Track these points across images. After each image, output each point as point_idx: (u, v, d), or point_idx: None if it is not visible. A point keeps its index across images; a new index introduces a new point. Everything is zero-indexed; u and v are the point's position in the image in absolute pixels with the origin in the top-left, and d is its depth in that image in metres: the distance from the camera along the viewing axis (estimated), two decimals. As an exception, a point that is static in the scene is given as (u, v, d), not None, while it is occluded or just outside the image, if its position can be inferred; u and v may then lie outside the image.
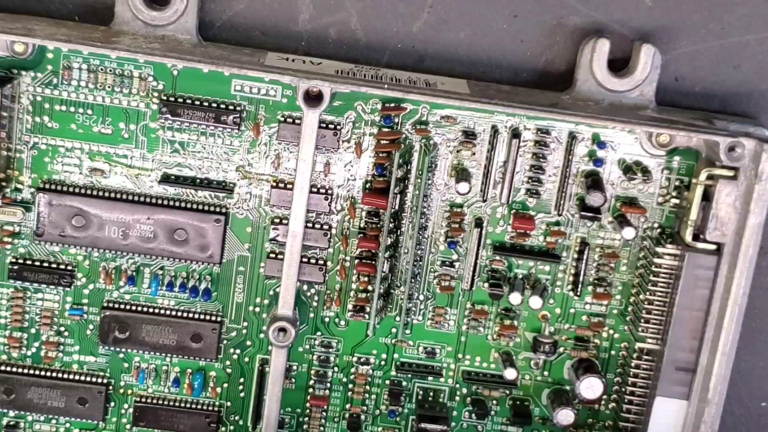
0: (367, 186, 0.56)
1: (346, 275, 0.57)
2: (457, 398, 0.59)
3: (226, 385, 0.58)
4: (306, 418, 0.59)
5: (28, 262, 0.56)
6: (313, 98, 0.52)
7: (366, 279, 0.57)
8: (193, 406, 0.58)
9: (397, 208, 0.55)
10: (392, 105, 0.54)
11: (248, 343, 0.58)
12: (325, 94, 0.52)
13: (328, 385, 0.58)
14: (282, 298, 0.55)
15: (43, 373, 0.57)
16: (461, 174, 0.55)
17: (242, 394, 0.58)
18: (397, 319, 0.57)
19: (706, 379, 0.55)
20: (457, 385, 0.58)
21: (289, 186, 0.55)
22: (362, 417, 0.59)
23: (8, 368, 0.57)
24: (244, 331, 0.57)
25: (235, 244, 0.56)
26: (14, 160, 0.55)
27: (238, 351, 0.58)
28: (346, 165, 0.55)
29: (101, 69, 0.54)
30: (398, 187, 0.55)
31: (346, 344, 0.58)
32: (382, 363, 0.58)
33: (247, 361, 0.58)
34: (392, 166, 0.55)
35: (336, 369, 0.58)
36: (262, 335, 0.57)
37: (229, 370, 0.58)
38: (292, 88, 0.54)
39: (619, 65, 0.55)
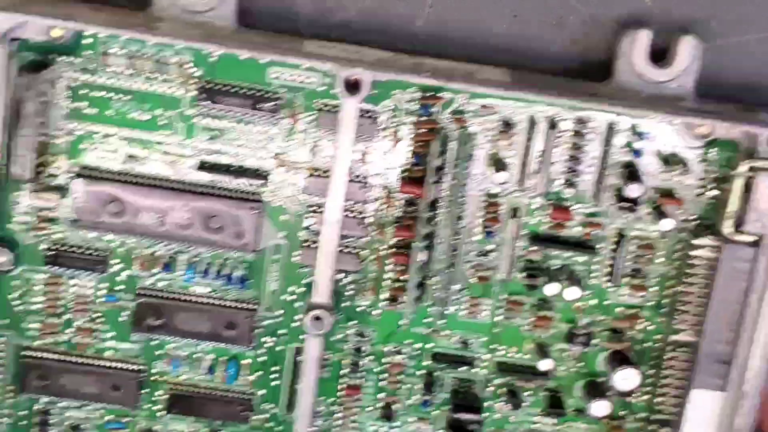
0: (404, 175, 0.55)
1: (382, 264, 0.57)
2: (491, 388, 0.58)
3: (259, 373, 0.58)
4: (339, 407, 0.59)
5: (64, 249, 0.56)
6: (352, 86, 0.52)
7: (401, 268, 0.56)
8: (227, 393, 0.58)
9: (434, 197, 0.55)
10: (431, 94, 0.54)
11: (282, 331, 0.57)
12: (365, 82, 0.52)
13: (362, 374, 0.58)
14: (317, 287, 0.55)
15: (76, 359, 0.57)
16: (498, 164, 0.55)
17: (276, 383, 0.58)
18: (432, 309, 0.57)
19: (743, 371, 0.55)
20: (491, 376, 0.58)
21: (325, 174, 0.55)
22: (396, 406, 0.59)
23: (42, 354, 0.57)
24: (279, 319, 0.57)
25: (271, 232, 0.56)
26: (51, 147, 0.54)
27: (272, 339, 0.58)
28: (383, 154, 0.55)
29: (139, 55, 0.53)
30: (435, 176, 0.54)
31: (380, 334, 0.58)
32: (417, 353, 0.58)
33: (281, 350, 0.58)
34: (429, 155, 0.54)
35: (370, 358, 0.58)
36: (296, 324, 0.57)
37: (262, 359, 0.58)
38: (331, 75, 0.53)
39: (660, 56, 0.55)
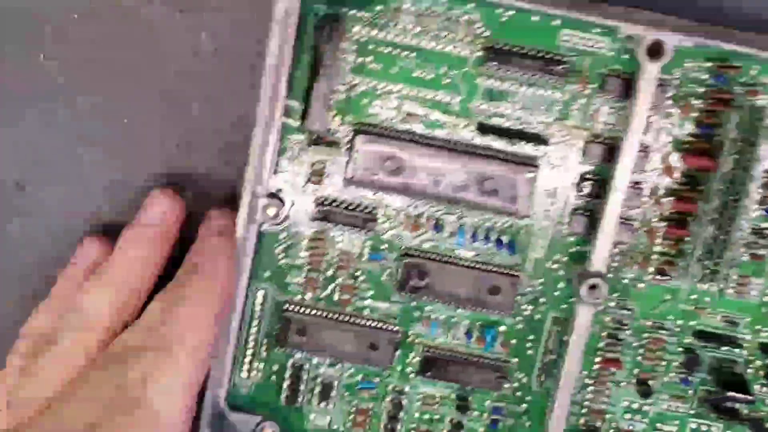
0: (686, 146, 0.54)
1: (654, 236, 0.55)
2: (758, 371, 0.57)
3: (515, 341, 0.57)
4: (593, 381, 0.58)
5: (333, 205, 0.56)
6: (654, 51, 0.51)
7: (674, 242, 0.55)
8: (481, 360, 0.58)
9: (717, 170, 0.53)
10: (725, 63, 0.53)
11: (543, 300, 0.57)
12: (668, 47, 0.51)
13: (621, 348, 0.57)
14: (596, 255, 0.54)
15: (335, 316, 0.57)
16: (787, 139, 0.53)
17: (530, 352, 0.58)
18: (700, 285, 0.56)
19: None
20: (752, 357, 0.57)
21: (605, 141, 0.54)
22: (653, 382, 0.58)
23: (303, 309, 0.57)
24: (540, 287, 0.57)
25: (543, 198, 0.55)
26: (335, 101, 0.54)
27: (531, 307, 0.57)
28: (667, 123, 0.54)
29: (430, 12, 0.53)
30: (722, 149, 0.53)
31: (643, 307, 0.57)
32: (679, 329, 0.57)
33: (539, 318, 0.57)
34: (717, 127, 0.53)
35: (630, 332, 0.57)
36: (557, 293, 0.56)
37: (519, 327, 0.57)
38: (621, 40, 0.52)
39: None
